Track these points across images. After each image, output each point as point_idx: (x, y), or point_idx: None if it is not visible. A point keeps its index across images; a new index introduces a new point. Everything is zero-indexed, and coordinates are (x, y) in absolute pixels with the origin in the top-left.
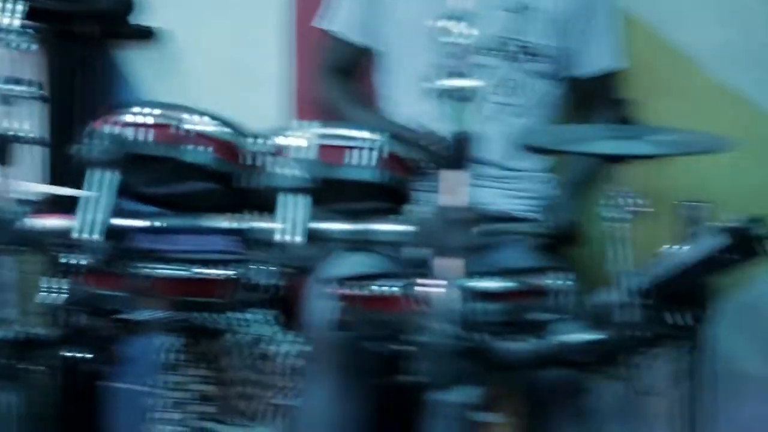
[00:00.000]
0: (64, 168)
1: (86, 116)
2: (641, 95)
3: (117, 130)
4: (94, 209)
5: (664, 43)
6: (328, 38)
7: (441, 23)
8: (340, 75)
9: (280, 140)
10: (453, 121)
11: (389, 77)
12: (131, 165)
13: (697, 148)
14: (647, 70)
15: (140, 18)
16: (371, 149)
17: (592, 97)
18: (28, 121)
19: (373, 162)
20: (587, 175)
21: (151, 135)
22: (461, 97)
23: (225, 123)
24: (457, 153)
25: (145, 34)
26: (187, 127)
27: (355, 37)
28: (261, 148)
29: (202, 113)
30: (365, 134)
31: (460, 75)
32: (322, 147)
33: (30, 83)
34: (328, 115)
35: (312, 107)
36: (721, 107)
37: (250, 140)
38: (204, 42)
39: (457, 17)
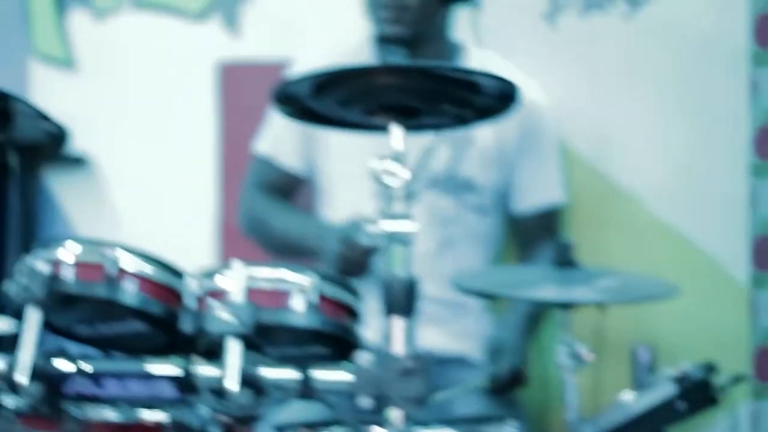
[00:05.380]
0: None
1: (14, 249)
2: (581, 230)
3: (50, 268)
4: (23, 350)
5: (604, 178)
6: (255, 159)
7: (377, 163)
8: (266, 192)
9: (216, 282)
10: (394, 264)
11: (325, 206)
12: (64, 304)
13: (643, 294)
14: (588, 206)
15: (68, 145)
16: (306, 293)
17: (531, 233)
18: None
19: (310, 306)
20: (532, 316)
21: (84, 274)
22: (400, 240)
23: (160, 264)
24: (402, 298)
25: (74, 162)
26: (121, 267)
27: (284, 160)
28: (197, 289)
29: (137, 253)
30: (300, 277)
31: (398, 217)
32: (259, 291)
33: None
34: (254, 233)
35: (242, 239)
36: (661, 244)
37: (185, 281)
38: (133, 170)
39: (395, 156)
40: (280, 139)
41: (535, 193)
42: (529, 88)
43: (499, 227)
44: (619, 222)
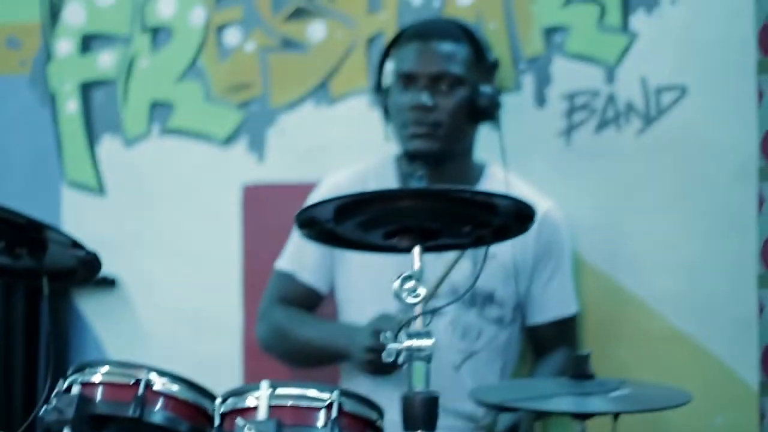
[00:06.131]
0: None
1: (45, 372)
2: (594, 339)
3: (80, 389)
4: None
5: (617, 288)
6: (276, 274)
7: (398, 282)
8: (287, 306)
9: (242, 400)
10: (414, 380)
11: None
12: (95, 425)
13: (657, 403)
14: (601, 315)
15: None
16: (328, 408)
17: (546, 341)
18: None
19: (331, 422)
20: None
21: (113, 395)
22: (420, 356)
23: (188, 383)
24: (422, 414)
25: (103, 284)
26: (150, 387)
27: (305, 275)
28: (224, 408)
29: (165, 373)
30: (322, 394)
31: (418, 335)
32: (284, 408)
33: None
34: (274, 346)
35: (266, 356)
36: (674, 351)
37: (213, 400)
38: (161, 291)
39: (415, 276)
40: (302, 256)
41: (551, 307)
42: (545, 205)
43: (518, 339)
44: (632, 331)
